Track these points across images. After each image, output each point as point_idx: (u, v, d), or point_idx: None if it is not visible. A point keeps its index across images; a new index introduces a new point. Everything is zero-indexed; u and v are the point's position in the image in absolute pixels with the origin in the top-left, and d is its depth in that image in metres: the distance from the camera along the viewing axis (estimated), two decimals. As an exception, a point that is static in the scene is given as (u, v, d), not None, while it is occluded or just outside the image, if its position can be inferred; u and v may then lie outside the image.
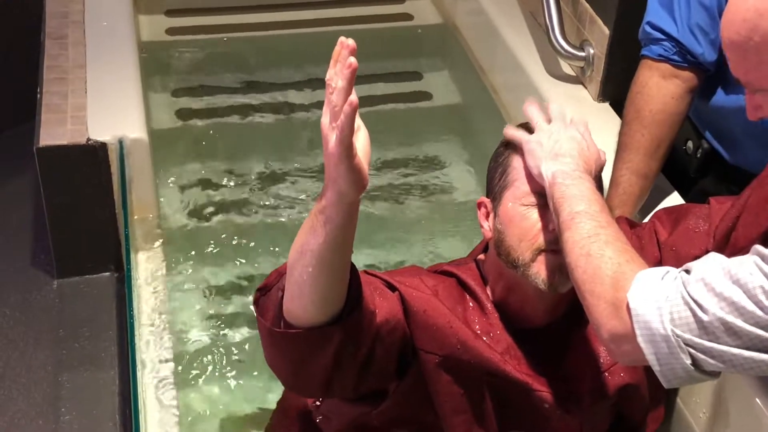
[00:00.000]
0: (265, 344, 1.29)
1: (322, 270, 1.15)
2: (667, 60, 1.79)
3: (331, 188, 1.09)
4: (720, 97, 1.81)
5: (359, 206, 1.13)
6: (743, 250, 1.34)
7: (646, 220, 1.61)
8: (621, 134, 1.86)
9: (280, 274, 1.25)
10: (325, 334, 1.22)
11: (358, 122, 1.10)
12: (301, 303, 1.19)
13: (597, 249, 1.18)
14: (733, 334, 1.05)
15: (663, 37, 1.79)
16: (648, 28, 1.81)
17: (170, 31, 3.18)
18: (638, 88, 1.82)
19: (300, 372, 1.28)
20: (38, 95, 2.28)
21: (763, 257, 1.05)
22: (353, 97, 1.02)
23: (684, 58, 1.78)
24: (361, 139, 1.10)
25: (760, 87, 1.14)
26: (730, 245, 1.39)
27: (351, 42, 1.03)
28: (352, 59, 1.02)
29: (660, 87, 1.79)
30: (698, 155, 1.91)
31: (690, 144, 1.93)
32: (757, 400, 1.49)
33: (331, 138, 1.05)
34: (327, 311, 1.21)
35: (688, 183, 1.97)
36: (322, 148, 1.08)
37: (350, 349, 1.26)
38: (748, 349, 1.06)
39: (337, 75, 1.04)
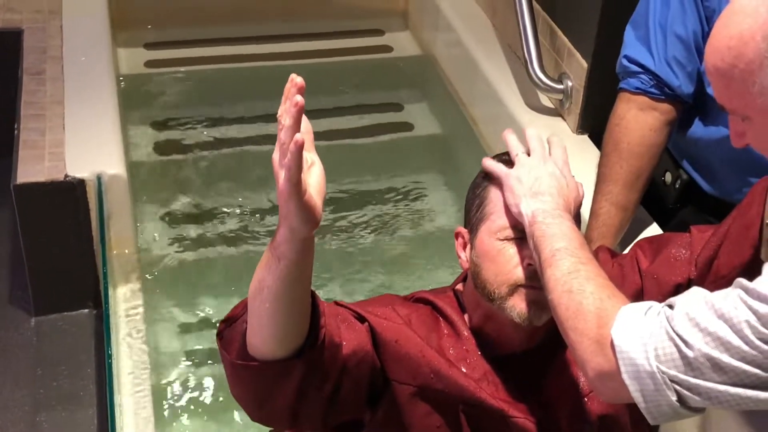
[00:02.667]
0: (230, 377, 1.28)
1: (280, 305, 1.14)
2: (644, 93, 1.79)
3: (284, 225, 1.09)
4: (698, 129, 1.82)
5: (314, 242, 1.13)
6: (725, 278, 1.35)
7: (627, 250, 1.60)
8: (600, 166, 1.87)
9: (245, 305, 1.23)
10: (287, 368, 1.21)
11: (313, 158, 1.10)
12: (261, 337, 1.18)
13: (578, 285, 1.17)
14: (719, 369, 1.04)
15: (640, 70, 1.79)
16: (625, 62, 1.82)
17: (149, 63, 3.18)
18: (616, 120, 1.83)
19: (265, 405, 1.27)
20: (15, 131, 2.27)
21: (747, 290, 1.04)
22: (299, 136, 1.02)
23: (662, 91, 1.78)
24: (315, 176, 1.10)
25: (744, 114, 1.13)
26: (712, 273, 1.39)
27: (299, 80, 1.04)
28: (299, 97, 1.03)
29: (638, 119, 1.80)
30: (676, 186, 1.92)
31: (668, 175, 1.93)
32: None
33: (281, 175, 1.05)
34: (288, 345, 1.20)
35: (666, 214, 1.97)
36: None
37: (315, 382, 1.25)
38: (734, 385, 1.04)
39: (285, 113, 1.04)
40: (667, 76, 1.76)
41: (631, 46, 1.81)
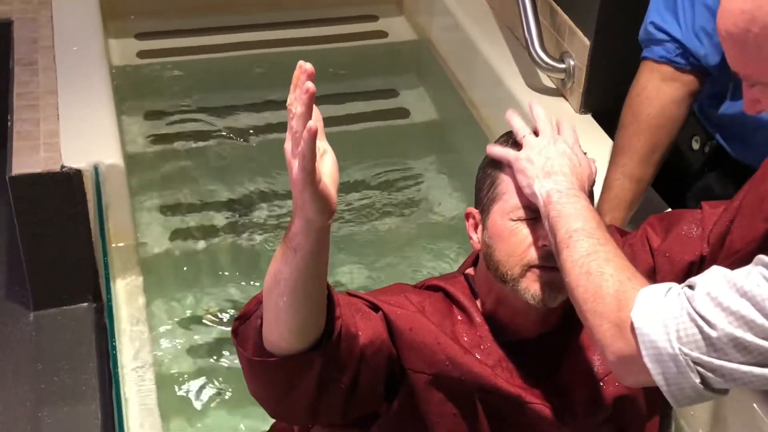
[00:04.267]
0: (247, 374, 1.26)
1: (297, 298, 1.13)
2: (669, 62, 1.76)
3: (299, 215, 1.07)
4: (729, 98, 1.78)
5: (330, 231, 1.11)
6: (739, 254, 1.33)
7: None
8: (617, 137, 1.84)
9: (258, 301, 1.22)
10: (306, 361, 1.20)
11: (325, 146, 1.09)
12: (279, 331, 1.17)
13: (597, 267, 1.15)
14: (742, 349, 1.02)
15: (666, 38, 1.76)
16: (651, 29, 1.78)
17: (141, 54, 3.14)
18: (637, 90, 1.79)
19: (284, 400, 1.25)
20: (9, 123, 2.23)
21: None
22: (312, 123, 1.00)
23: (687, 60, 1.75)
24: (327, 164, 1.08)
25: (759, 80, 1.11)
26: (725, 249, 1.37)
27: (309, 66, 1.02)
28: (310, 84, 1.01)
29: (660, 90, 1.77)
30: (705, 151, 1.88)
31: (695, 141, 1.89)
32: (755, 405, 1.48)
33: (294, 165, 1.03)
34: (305, 338, 1.18)
35: (691, 180, 1.94)
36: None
37: (333, 375, 1.23)
38: (758, 365, 1.02)
39: (296, 101, 1.03)
40: (694, 46, 1.73)
41: (658, 13, 1.78)
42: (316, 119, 1.03)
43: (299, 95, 1.02)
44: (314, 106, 1.04)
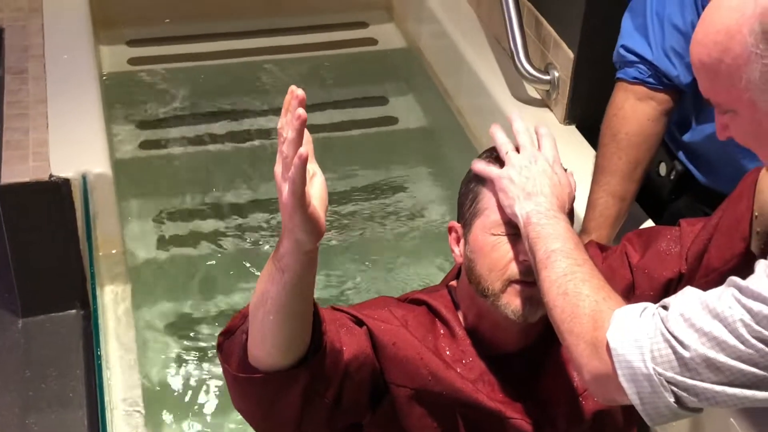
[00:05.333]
0: (231, 389, 1.27)
1: (284, 316, 1.14)
2: (642, 83, 1.78)
3: (288, 237, 1.08)
4: (694, 121, 1.81)
5: (318, 252, 1.12)
6: (717, 271, 1.35)
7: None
8: (597, 157, 1.86)
9: (244, 316, 1.23)
10: (291, 377, 1.21)
11: (314, 169, 1.09)
12: (264, 348, 1.18)
13: (574, 287, 1.17)
14: (715, 369, 1.04)
15: (637, 60, 1.78)
16: (623, 51, 1.81)
17: (132, 61, 3.16)
18: (614, 110, 1.82)
19: (269, 415, 1.26)
20: (-2, 131, 2.25)
21: (740, 289, 1.03)
22: (303, 150, 1.01)
23: (659, 81, 1.77)
24: (317, 186, 1.09)
25: (729, 108, 1.13)
26: (703, 267, 1.38)
27: (300, 92, 1.02)
28: (301, 111, 1.01)
29: (636, 109, 1.79)
30: (671, 177, 1.91)
31: (663, 166, 1.93)
32: (732, 420, 1.49)
33: (284, 189, 1.04)
34: (291, 355, 1.20)
35: (660, 205, 1.97)
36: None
37: (318, 390, 1.25)
38: (731, 384, 1.04)
39: (287, 125, 1.03)
40: (665, 67, 1.75)
41: (629, 35, 1.80)
42: (307, 143, 1.04)
43: (290, 120, 1.02)
44: (305, 130, 1.05)
